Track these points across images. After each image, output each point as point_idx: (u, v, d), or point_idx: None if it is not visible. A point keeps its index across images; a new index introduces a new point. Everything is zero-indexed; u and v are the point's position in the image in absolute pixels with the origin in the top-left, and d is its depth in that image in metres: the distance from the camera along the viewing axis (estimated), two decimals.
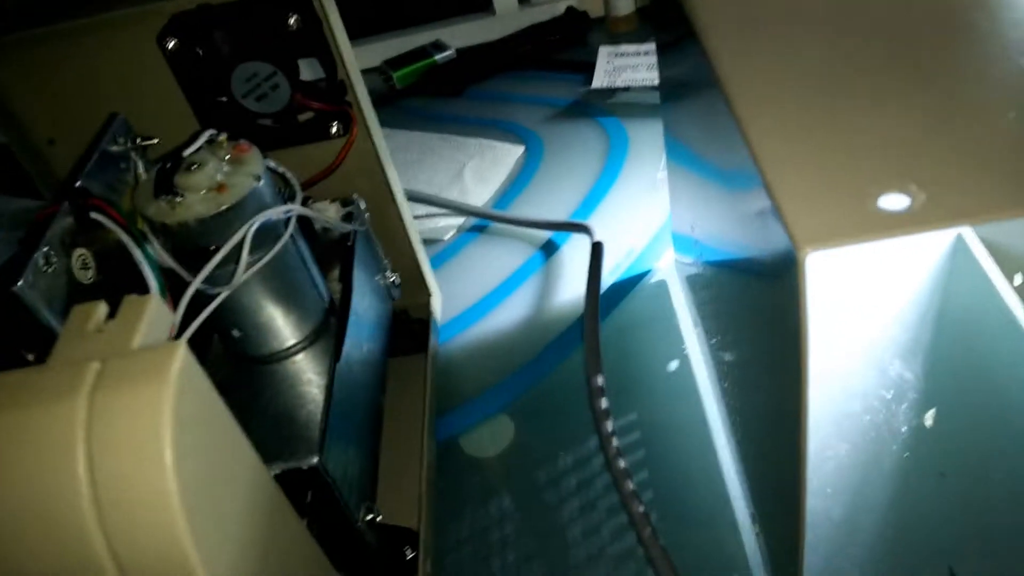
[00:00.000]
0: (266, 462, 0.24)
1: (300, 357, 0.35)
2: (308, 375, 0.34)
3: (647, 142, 0.61)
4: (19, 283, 0.27)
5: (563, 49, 0.75)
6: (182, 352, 0.19)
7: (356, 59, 0.38)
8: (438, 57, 0.74)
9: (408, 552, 0.36)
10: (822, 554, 0.30)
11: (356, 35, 0.43)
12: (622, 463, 0.38)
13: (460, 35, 0.77)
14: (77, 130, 0.36)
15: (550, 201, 0.57)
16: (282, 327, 0.34)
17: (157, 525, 0.18)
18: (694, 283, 0.43)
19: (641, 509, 0.37)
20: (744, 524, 0.37)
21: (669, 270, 0.50)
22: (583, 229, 0.51)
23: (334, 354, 0.34)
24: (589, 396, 0.41)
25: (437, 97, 0.72)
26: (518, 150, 0.63)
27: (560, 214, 0.56)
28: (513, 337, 0.48)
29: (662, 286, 0.49)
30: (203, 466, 0.19)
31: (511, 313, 0.50)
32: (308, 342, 0.35)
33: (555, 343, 0.47)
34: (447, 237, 0.56)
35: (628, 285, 0.49)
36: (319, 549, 0.27)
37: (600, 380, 0.40)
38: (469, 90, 0.72)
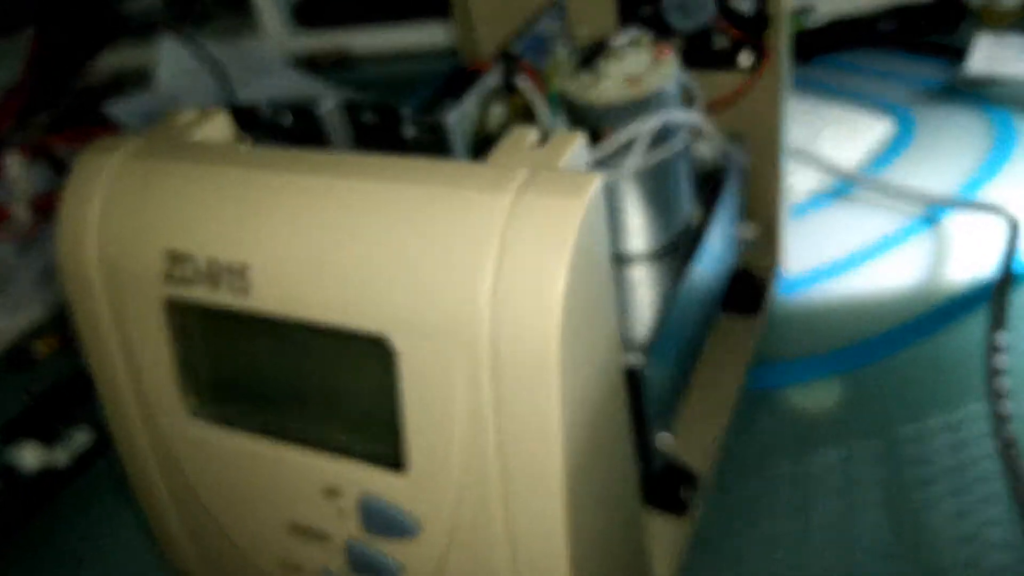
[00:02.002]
0: None
1: (646, 265, 0.35)
2: (650, 284, 0.34)
3: None
4: (450, 116, 0.30)
5: (929, 34, 0.70)
6: (598, 180, 0.20)
7: None
8: (807, 24, 0.71)
9: (684, 492, 0.36)
10: None
11: None
12: (1010, 430, 0.36)
13: (824, 4, 0.73)
14: (510, 12, 0.39)
15: (921, 182, 0.54)
16: (641, 231, 0.35)
17: (536, 329, 0.19)
18: None
19: None
20: None
21: None
22: (993, 209, 0.48)
23: (682, 272, 0.34)
24: (987, 353, 0.39)
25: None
26: (883, 124, 0.60)
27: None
28: (860, 308, 0.46)
29: None
30: (583, 305, 0.20)
31: (862, 284, 0.48)
32: (657, 255, 0.36)
33: (910, 323, 0.45)
34: (796, 198, 0.55)
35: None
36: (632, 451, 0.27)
37: (1002, 338, 0.39)
38: (823, 58, 0.70)
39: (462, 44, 0.45)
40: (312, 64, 0.88)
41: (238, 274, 0.23)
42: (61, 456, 0.45)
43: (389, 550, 0.24)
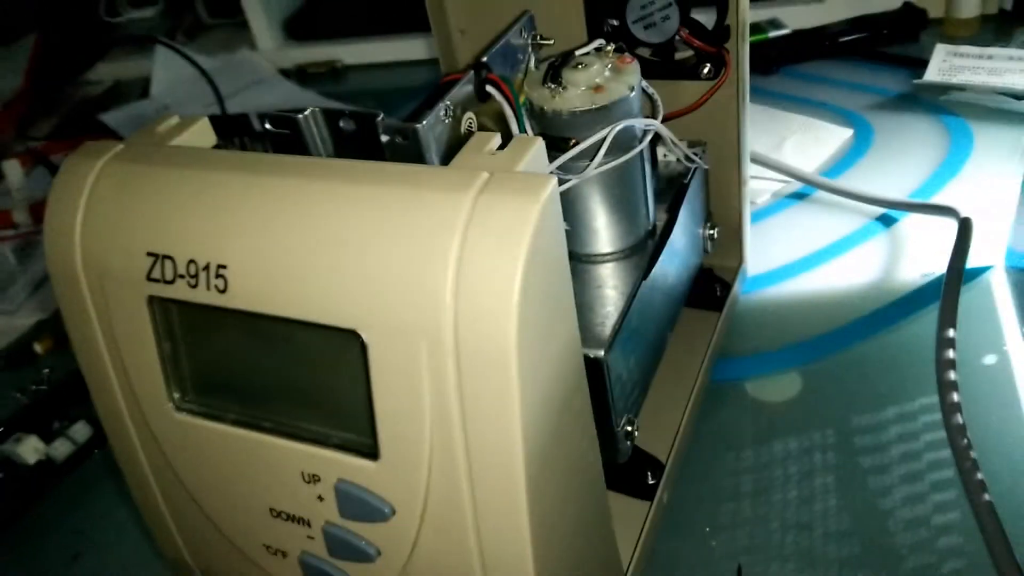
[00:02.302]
0: None
1: (611, 265, 0.37)
2: (614, 282, 0.36)
3: (993, 144, 0.58)
4: (422, 123, 0.32)
5: (891, 43, 0.73)
6: (554, 182, 0.22)
7: None
8: (772, 34, 0.74)
9: (649, 478, 0.38)
10: None
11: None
12: (960, 419, 0.38)
13: (789, 17, 0.77)
14: (486, 23, 0.40)
15: (878, 187, 0.56)
16: (605, 233, 0.36)
17: (495, 322, 0.21)
18: None
19: (979, 476, 0.35)
20: None
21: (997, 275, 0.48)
22: (946, 211, 0.50)
23: (644, 270, 0.36)
24: (937, 346, 0.41)
25: (753, 73, 0.73)
26: (845, 132, 0.62)
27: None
28: (818, 305, 0.48)
29: (985, 286, 0.47)
30: (540, 298, 0.22)
31: (821, 282, 0.50)
32: (622, 255, 0.37)
33: (865, 319, 0.47)
34: (760, 200, 0.57)
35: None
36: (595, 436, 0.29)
37: (952, 333, 0.41)
38: (787, 69, 0.73)
39: (442, 55, 0.47)
40: (303, 75, 0.90)
41: (215, 273, 0.24)
42: (59, 450, 0.47)
43: (365, 533, 0.26)
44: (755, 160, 0.57)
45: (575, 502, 0.27)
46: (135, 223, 0.25)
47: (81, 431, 0.48)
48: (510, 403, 0.22)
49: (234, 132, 0.34)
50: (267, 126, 0.34)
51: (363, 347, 0.23)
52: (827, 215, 0.55)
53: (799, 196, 0.57)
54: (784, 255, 0.52)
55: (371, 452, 0.24)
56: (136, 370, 0.27)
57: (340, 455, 0.25)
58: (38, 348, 0.56)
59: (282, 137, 0.35)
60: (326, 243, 0.23)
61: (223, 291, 0.24)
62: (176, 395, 0.27)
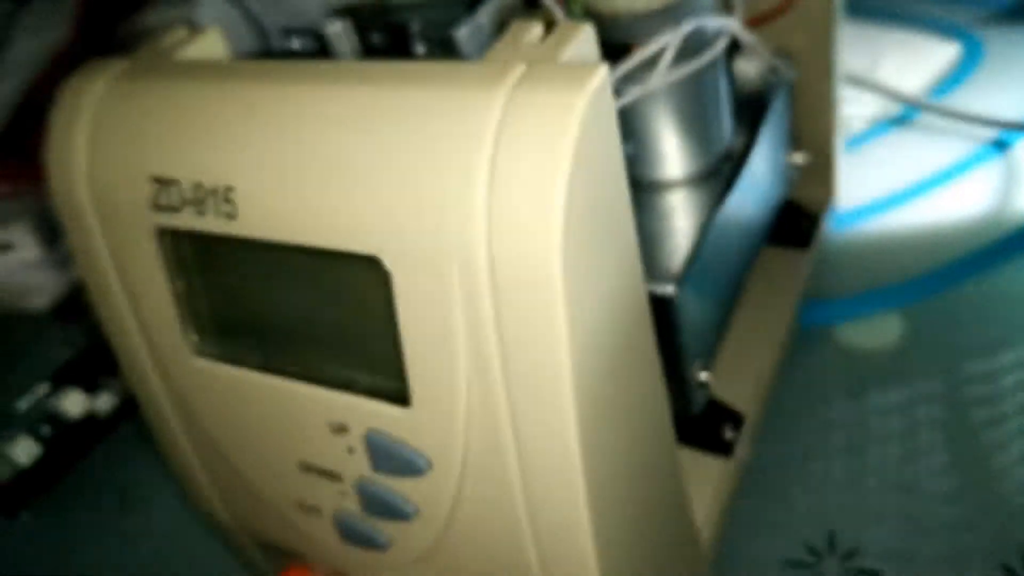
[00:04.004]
0: None
1: (682, 193, 0.33)
2: (685, 211, 0.32)
3: None
4: (460, 31, 0.28)
5: None
6: (604, 71, 0.18)
7: None
8: None
9: (727, 432, 0.34)
10: None
11: None
12: None
13: None
14: None
15: (991, 107, 0.50)
16: (674, 155, 0.32)
17: (535, 235, 0.17)
18: None
19: None
20: None
21: None
22: None
23: (719, 198, 0.32)
24: None
25: None
26: (950, 49, 0.55)
27: None
28: (922, 240, 0.43)
29: None
30: (590, 210, 0.18)
31: (925, 215, 0.45)
32: (694, 182, 0.33)
33: (977, 254, 0.41)
34: (854, 127, 0.51)
35: None
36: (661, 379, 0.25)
37: None
38: None
39: None
40: (352, 14, 0.87)
41: (223, 198, 0.21)
42: (103, 404, 0.46)
43: (401, 489, 0.23)
44: (848, 81, 0.52)
45: (637, 452, 0.23)
46: (139, 145, 0.23)
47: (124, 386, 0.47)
48: (556, 334, 0.18)
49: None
50: (294, 44, 0.31)
51: (387, 276, 0.20)
52: (931, 141, 0.49)
53: (898, 121, 0.51)
54: (882, 186, 0.47)
55: (402, 397, 0.21)
56: (151, 312, 0.25)
57: (368, 401, 0.22)
58: (85, 301, 0.56)
59: (311, 55, 0.32)
60: (339, 155, 0.20)
61: (232, 217, 0.21)
62: (193, 339, 0.24)
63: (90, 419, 0.45)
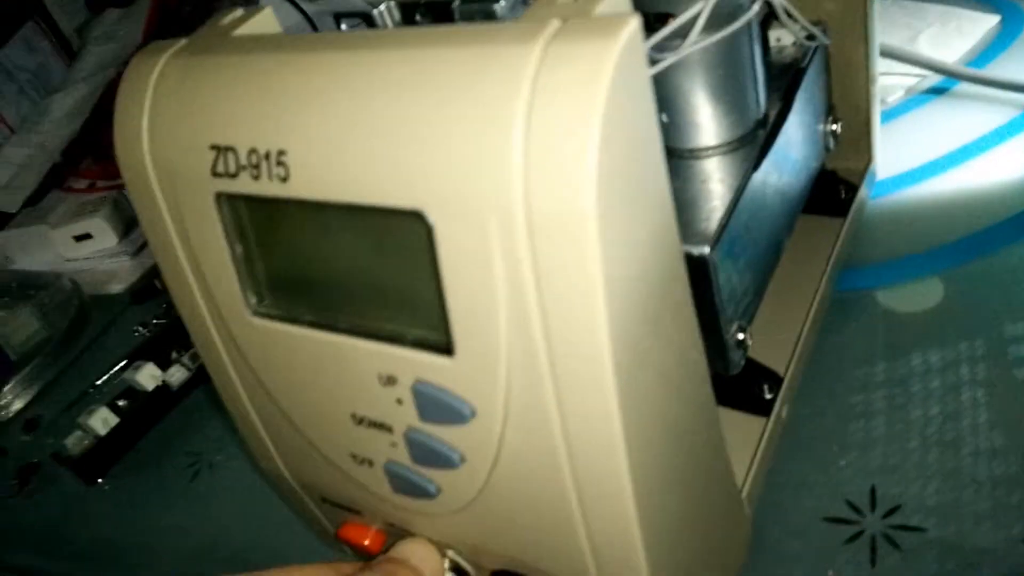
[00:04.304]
0: None
1: (717, 159, 0.33)
2: (720, 176, 0.32)
3: None
4: (501, 3, 0.29)
5: None
6: (636, 21, 0.19)
7: None
8: None
9: (766, 391, 0.34)
10: None
11: None
12: None
13: None
14: None
15: None
16: (709, 123, 0.33)
17: (570, 185, 0.18)
18: None
19: None
20: None
21: None
22: None
23: (755, 162, 0.32)
24: None
25: None
26: (991, 19, 0.55)
27: None
28: (962, 205, 0.43)
29: None
30: (625, 162, 0.19)
31: (964, 181, 0.44)
32: (729, 148, 0.34)
33: (1017, 217, 0.41)
34: (892, 98, 0.51)
35: None
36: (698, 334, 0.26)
37: None
38: None
39: None
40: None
41: (276, 161, 0.22)
42: (174, 377, 0.49)
43: (447, 438, 0.24)
44: (886, 53, 0.52)
45: (676, 405, 0.24)
46: (198, 116, 0.24)
47: (195, 358, 0.49)
48: (592, 283, 0.19)
49: None
50: (342, 26, 0.32)
51: (430, 230, 0.21)
52: (970, 110, 0.49)
53: (937, 91, 0.51)
54: (921, 154, 0.47)
55: (446, 348, 0.22)
56: (212, 275, 0.26)
57: (415, 353, 0.23)
58: (159, 284, 0.59)
59: None
60: (382, 115, 0.21)
61: (285, 180, 0.23)
62: (252, 299, 0.26)
63: (162, 390, 0.48)
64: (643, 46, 0.19)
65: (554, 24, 0.19)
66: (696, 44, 0.29)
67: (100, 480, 0.46)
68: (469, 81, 0.20)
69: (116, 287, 0.64)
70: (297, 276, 0.25)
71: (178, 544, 0.41)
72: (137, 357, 0.49)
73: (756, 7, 0.30)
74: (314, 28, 0.36)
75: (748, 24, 0.31)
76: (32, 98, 0.83)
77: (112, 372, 0.52)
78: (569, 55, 0.19)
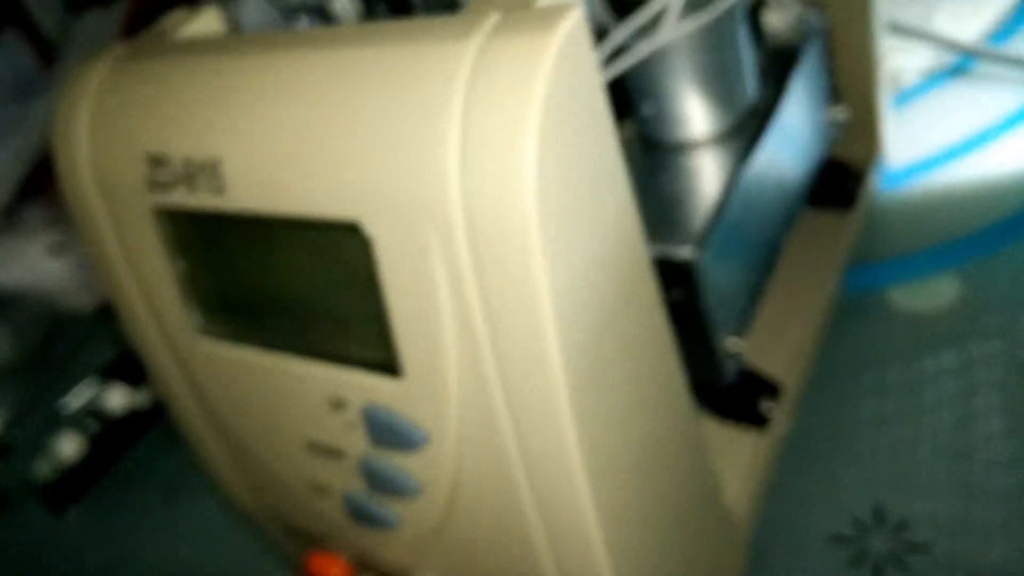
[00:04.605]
0: None
1: (706, 153, 0.31)
2: (709, 171, 0.30)
3: None
4: None
5: None
6: (577, 12, 0.17)
7: None
8: None
9: (763, 403, 0.32)
10: None
11: None
12: None
13: None
14: None
15: None
16: (696, 113, 0.31)
17: (509, 190, 0.17)
18: None
19: None
20: None
21: None
22: None
23: (743, 155, 0.30)
24: None
25: None
26: None
27: None
28: (981, 194, 0.40)
29: None
30: (570, 160, 0.17)
31: (984, 169, 0.41)
32: (718, 140, 0.31)
33: None
34: (906, 80, 0.48)
35: None
36: (675, 355, 0.24)
37: None
38: None
39: None
40: None
41: (211, 171, 0.21)
42: (145, 397, 0.47)
43: (403, 464, 0.22)
44: (900, 31, 0.49)
45: (644, 420, 0.22)
46: (135, 125, 0.23)
47: None
48: (537, 292, 0.17)
49: None
50: (302, 24, 0.31)
51: (368, 242, 0.19)
52: (989, 90, 0.46)
53: (954, 71, 0.48)
54: (937, 140, 0.44)
55: (393, 368, 0.21)
56: (156, 294, 0.25)
57: (363, 374, 0.21)
58: None
59: None
60: (315, 121, 0.19)
61: (220, 192, 0.21)
62: (196, 318, 0.24)
63: (133, 414, 0.46)
64: (588, 38, 0.17)
65: (493, 18, 0.18)
66: (675, 30, 0.27)
67: (69, 508, 0.44)
68: (403, 81, 0.18)
69: (92, 301, 0.62)
70: (240, 294, 0.24)
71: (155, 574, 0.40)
72: (106, 378, 0.48)
73: None
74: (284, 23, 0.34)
75: (731, 8, 0.28)
76: (9, 107, 0.82)
77: (81, 392, 0.50)
78: (505, 51, 0.17)
